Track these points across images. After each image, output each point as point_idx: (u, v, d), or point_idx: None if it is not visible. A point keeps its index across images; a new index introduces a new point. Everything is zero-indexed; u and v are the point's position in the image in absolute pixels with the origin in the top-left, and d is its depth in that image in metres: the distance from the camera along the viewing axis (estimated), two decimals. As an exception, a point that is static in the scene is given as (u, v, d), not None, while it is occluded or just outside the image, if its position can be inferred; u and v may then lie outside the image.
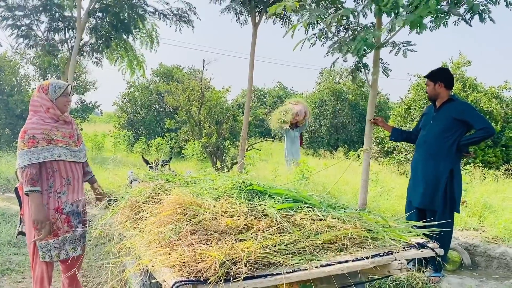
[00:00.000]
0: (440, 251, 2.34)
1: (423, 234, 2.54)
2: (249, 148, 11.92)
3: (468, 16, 3.52)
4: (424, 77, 4.12)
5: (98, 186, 3.44)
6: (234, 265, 1.84)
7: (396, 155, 12.93)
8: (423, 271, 3.81)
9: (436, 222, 3.12)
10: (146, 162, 4.05)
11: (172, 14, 8.59)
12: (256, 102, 30.20)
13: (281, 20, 6.68)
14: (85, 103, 18.41)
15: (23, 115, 13.33)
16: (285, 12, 6.34)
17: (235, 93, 39.24)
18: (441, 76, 3.97)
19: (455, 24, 3.68)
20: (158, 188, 2.73)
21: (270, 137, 23.39)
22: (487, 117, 10.96)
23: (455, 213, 4.03)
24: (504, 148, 11.59)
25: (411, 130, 4.48)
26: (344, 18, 4.23)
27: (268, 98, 31.25)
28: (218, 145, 11.65)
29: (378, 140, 13.67)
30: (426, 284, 3.72)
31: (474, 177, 9.50)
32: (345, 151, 19.16)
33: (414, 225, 2.68)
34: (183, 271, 1.81)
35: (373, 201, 7.03)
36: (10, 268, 4.15)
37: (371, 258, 2.12)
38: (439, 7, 3.38)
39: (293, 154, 9.72)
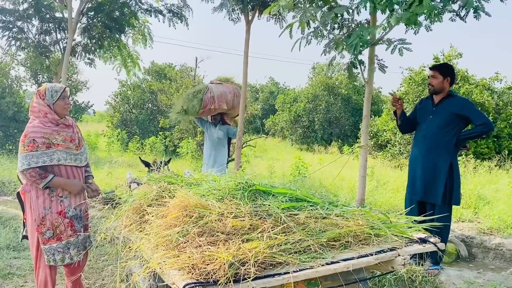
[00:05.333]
0: (442, 246, 2.39)
1: (423, 228, 2.59)
2: (243, 145, 11.91)
3: (463, 12, 3.56)
4: (432, 68, 4.10)
5: (92, 181, 3.38)
6: (242, 266, 1.87)
7: (390, 148, 13.03)
8: (422, 265, 3.87)
9: (436, 216, 3.17)
10: (147, 164, 4.05)
11: (167, 11, 8.52)
12: (249, 98, 30.19)
13: (274, 17, 6.67)
14: (77, 103, 18.26)
15: (15, 117, 13.22)
16: (280, 10, 6.31)
17: (228, 89, 39.07)
18: (450, 72, 4.05)
19: (452, 21, 3.72)
20: (162, 191, 2.75)
21: (264, 133, 23.42)
22: (479, 108, 11.09)
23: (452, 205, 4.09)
24: (496, 139, 11.73)
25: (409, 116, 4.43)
26: (339, 15, 4.26)
27: (261, 94, 31.27)
28: (213, 143, 11.62)
29: (372, 134, 13.76)
30: (425, 277, 3.78)
31: (468, 169, 9.62)
32: (339, 146, 19.28)
33: (415, 220, 2.73)
34: (192, 273, 1.83)
35: (370, 195, 7.10)
36: (11, 273, 4.15)
37: (375, 254, 2.16)
38: (433, 3, 3.42)
39: (214, 164, 5.88)
